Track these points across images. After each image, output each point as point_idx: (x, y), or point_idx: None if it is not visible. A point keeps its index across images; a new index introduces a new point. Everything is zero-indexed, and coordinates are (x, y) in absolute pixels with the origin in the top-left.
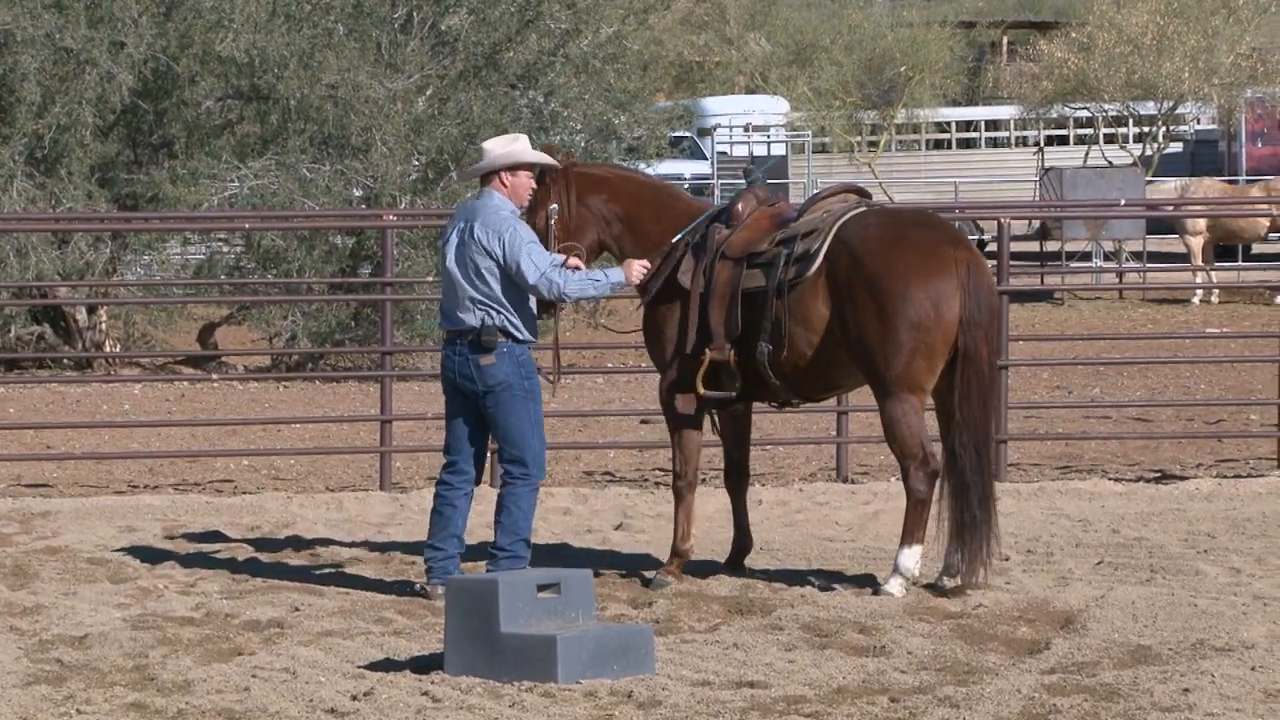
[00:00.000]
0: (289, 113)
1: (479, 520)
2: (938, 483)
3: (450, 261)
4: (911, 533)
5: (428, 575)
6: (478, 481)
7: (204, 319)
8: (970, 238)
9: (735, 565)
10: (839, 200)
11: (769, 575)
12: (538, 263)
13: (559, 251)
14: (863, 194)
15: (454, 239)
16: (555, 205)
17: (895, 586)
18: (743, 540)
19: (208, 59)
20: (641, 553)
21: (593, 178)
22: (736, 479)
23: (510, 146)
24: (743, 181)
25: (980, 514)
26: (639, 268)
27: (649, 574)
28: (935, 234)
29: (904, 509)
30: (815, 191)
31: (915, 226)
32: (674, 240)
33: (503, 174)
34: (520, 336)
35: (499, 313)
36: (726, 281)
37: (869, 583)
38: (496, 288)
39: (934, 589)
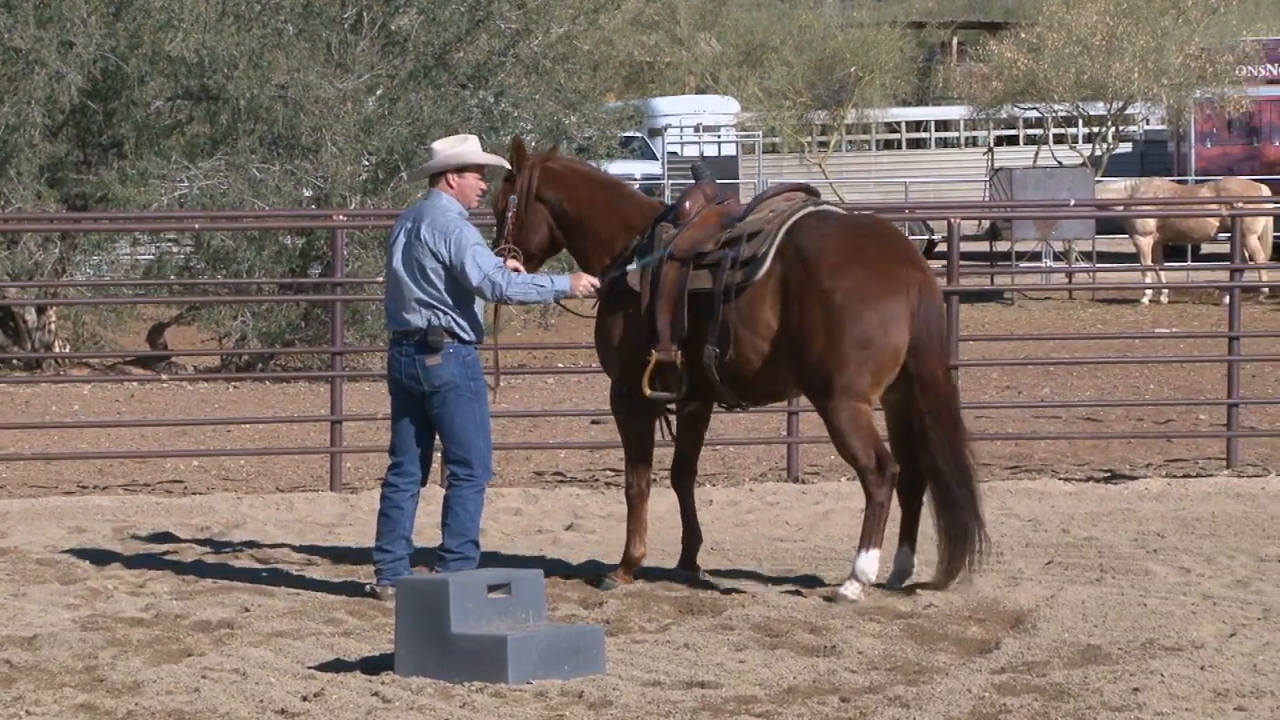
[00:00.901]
0: (239, 113)
1: (429, 521)
2: (922, 493)
3: (397, 262)
4: (870, 536)
5: (377, 577)
6: (424, 482)
7: (153, 319)
8: (920, 238)
9: (688, 564)
10: (784, 199)
11: (719, 575)
12: (482, 264)
13: (499, 253)
14: (811, 192)
15: (401, 240)
16: (514, 198)
17: (852, 590)
18: (692, 539)
19: (157, 59)
20: (592, 553)
21: (551, 173)
22: (684, 477)
23: (459, 148)
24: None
25: (974, 522)
26: (587, 283)
27: (598, 576)
28: (892, 250)
29: (855, 509)
30: (761, 191)
31: (873, 240)
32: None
33: (450, 175)
34: (466, 337)
35: (445, 313)
36: (674, 282)
37: (819, 583)
38: (442, 288)
39: (884, 589)
